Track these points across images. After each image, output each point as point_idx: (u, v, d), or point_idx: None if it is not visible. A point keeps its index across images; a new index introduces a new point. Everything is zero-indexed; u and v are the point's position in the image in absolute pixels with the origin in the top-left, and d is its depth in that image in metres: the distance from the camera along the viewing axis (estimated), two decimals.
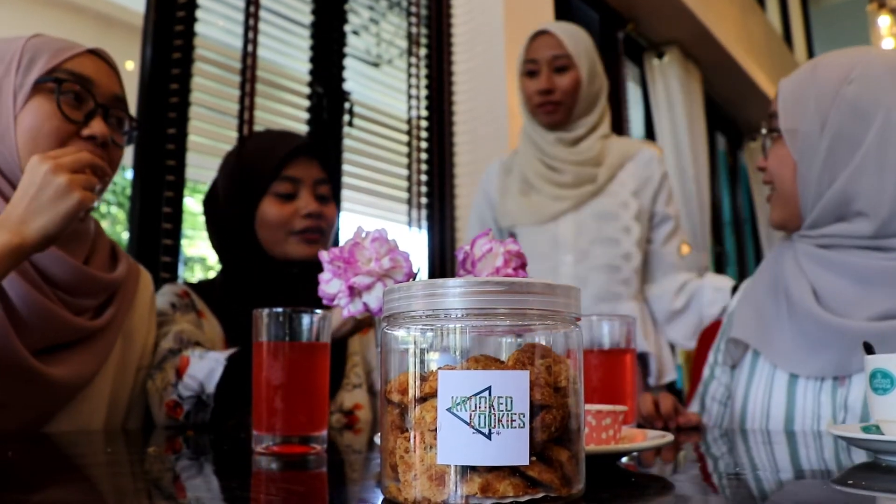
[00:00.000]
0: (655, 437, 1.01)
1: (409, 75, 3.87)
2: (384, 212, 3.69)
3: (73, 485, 0.96)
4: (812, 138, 1.60)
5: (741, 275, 8.04)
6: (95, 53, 1.57)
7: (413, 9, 3.94)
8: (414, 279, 1.20)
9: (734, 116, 7.98)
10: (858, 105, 1.56)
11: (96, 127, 1.54)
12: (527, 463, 0.67)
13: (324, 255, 1.17)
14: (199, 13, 2.86)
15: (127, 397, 1.70)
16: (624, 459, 1.06)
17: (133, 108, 2.64)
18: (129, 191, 2.71)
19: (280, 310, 1.21)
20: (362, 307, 1.16)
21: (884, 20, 7.35)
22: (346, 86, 3.50)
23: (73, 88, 1.51)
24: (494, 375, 0.68)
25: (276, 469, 1.06)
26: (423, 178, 3.88)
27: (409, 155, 3.82)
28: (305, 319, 1.22)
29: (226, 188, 1.94)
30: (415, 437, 0.70)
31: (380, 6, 3.81)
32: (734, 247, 8.02)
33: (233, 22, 3.01)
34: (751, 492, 0.88)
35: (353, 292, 1.15)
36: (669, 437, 1.01)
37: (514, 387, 0.68)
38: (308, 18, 3.40)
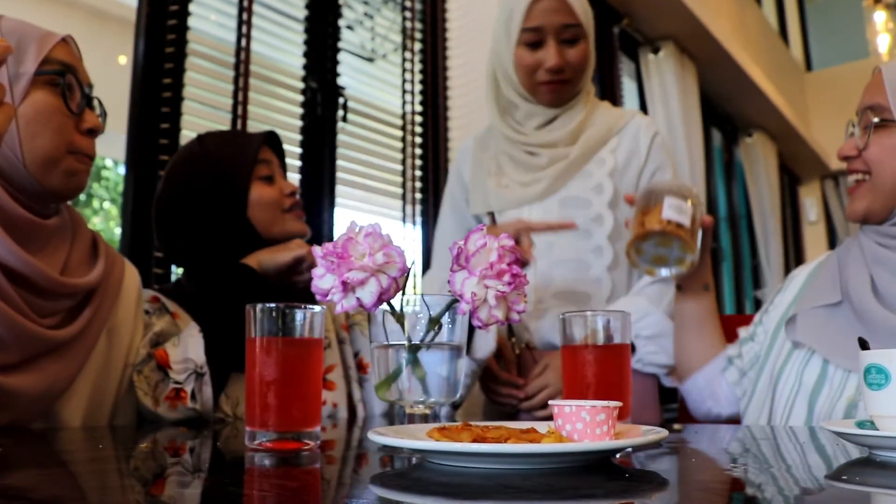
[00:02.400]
0: (650, 433, 1.01)
1: (404, 70, 3.87)
2: (378, 207, 3.68)
3: (61, 480, 0.95)
4: None
5: (736, 271, 8.05)
6: (64, 40, 1.57)
7: (408, 3, 3.94)
8: (408, 275, 1.19)
9: (730, 112, 7.98)
10: None
11: (92, 120, 1.56)
12: None
13: (317, 250, 1.17)
14: (192, 7, 2.86)
15: (112, 396, 1.68)
16: (618, 455, 1.06)
17: (126, 103, 2.65)
18: (121, 186, 2.70)
19: (272, 305, 1.21)
20: (356, 302, 1.15)
21: (879, 16, 7.35)
22: (341, 81, 3.49)
23: (70, 81, 1.52)
24: None
25: (269, 465, 1.05)
26: (418, 173, 3.88)
27: (403, 150, 3.82)
28: (298, 315, 1.22)
29: (205, 184, 1.94)
30: None
31: (374, 1, 3.80)
32: (730, 243, 8.02)
33: (226, 16, 3.01)
34: (744, 487, 0.87)
35: (347, 287, 1.15)
36: (664, 432, 1.00)
37: None
38: (302, 13, 3.40)
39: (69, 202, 1.65)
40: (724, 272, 7.73)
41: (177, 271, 2.72)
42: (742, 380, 1.93)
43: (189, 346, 1.71)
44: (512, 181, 2.27)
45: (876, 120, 1.63)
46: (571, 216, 2.17)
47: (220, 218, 1.92)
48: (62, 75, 1.51)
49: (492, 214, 2.26)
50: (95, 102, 1.61)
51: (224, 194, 1.93)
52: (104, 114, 1.64)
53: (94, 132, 1.57)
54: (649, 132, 2.33)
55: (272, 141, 2.06)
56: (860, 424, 1.12)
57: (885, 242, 1.65)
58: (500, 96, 2.33)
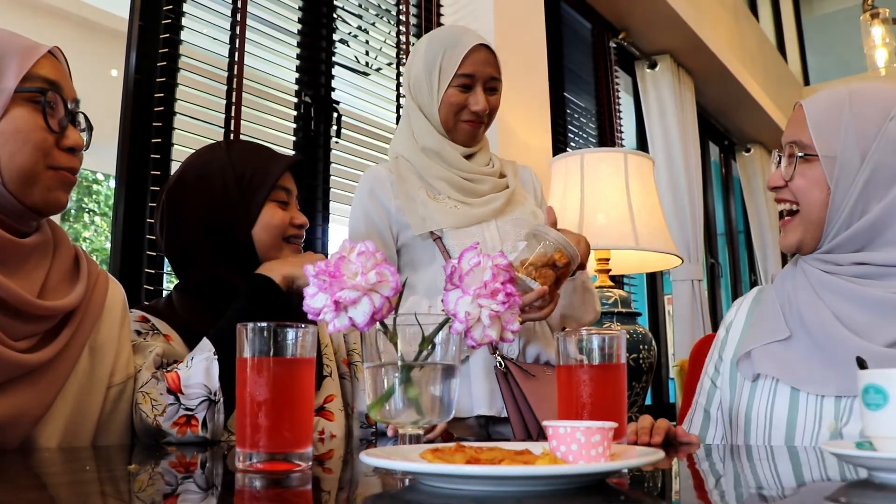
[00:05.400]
0: (646, 454, 0.99)
1: (399, 84, 3.86)
2: None
3: (46, 503, 0.94)
4: (851, 169, 1.67)
5: (734, 287, 8.06)
6: (51, 52, 1.55)
7: (402, 17, 3.94)
8: (401, 294, 1.18)
9: (727, 126, 8.00)
10: None
11: (74, 137, 1.53)
12: None
13: (309, 269, 1.16)
14: (184, 21, 2.86)
15: (95, 416, 1.64)
16: (614, 476, 1.05)
17: (117, 117, 2.64)
18: (112, 200, 2.69)
19: (264, 324, 1.19)
20: (348, 322, 1.14)
21: (877, 31, 7.35)
22: (335, 95, 3.49)
23: (52, 99, 1.49)
24: None
25: (260, 487, 1.04)
26: None
27: None
28: (290, 334, 1.20)
29: (222, 190, 1.91)
30: None
31: (368, 14, 3.80)
32: (727, 259, 8.04)
33: (219, 30, 3.00)
34: None
35: (339, 307, 1.13)
36: (661, 454, 0.99)
37: None
38: (295, 26, 3.40)
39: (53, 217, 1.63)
40: (722, 288, 7.73)
41: (168, 287, 2.71)
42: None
43: (202, 370, 1.66)
44: (458, 203, 2.43)
45: (800, 154, 1.74)
46: (520, 235, 2.41)
47: (225, 227, 1.90)
48: (43, 93, 1.48)
49: (433, 233, 2.38)
50: (81, 117, 1.59)
51: (235, 204, 1.91)
52: (90, 128, 1.62)
53: (74, 150, 1.53)
54: (539, 184, 2.69)
55: (297, 169, 2.05)
56: (859, 445, 1.11)
57: (829, 269, 1.73)
58: (416, 131, 2.52)
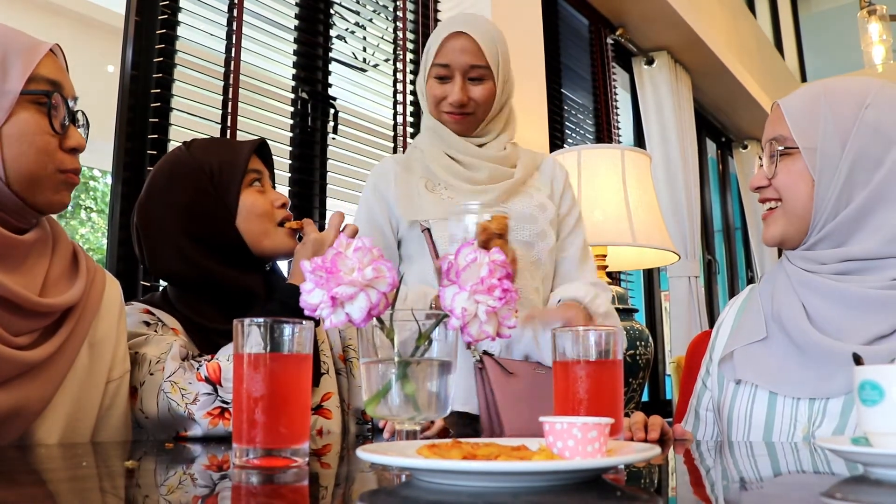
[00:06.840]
0: (642, 450, 0.99)
1: (396, 80, 3.86)
2: None
3: (45, 499, 0.94)
4: (833, 158, 1.67)
5: (731, 284, 8.06)
6: (51, 51, 1.54)
7: (399, 13, 3.93)
8: (398, 290, 1.18)
9: (724, 123, 8.00)
10: (879, 127, 1.65)
11: (76, 138, 1.53)
12: None
13: (306, 265, 1.16)
14: (181, 16, 2.85)
15: (94, 412, 1.64)
16: (610, 472, 1.05)
17: (113, 113, 2.64)
18: (108, 197, 2.68)
19: (261, 320, 1.19)
20: (345, 318, 1.14)
21: (874, 27, 7.35)
22: (332, 91, 3.48)
23: (56, 102, 1.49)
24: None
25: (256, 483, 1.04)
26: None
27: None
28: (287, 330, 1.20)
29: (192, 190, 1.89)
30: None
31: (366, 10, 3.80)
32: (724, 255, 8.03)
33: (216, 25, 2.99)
34: None
35: (336, 302, 1.13)
36: (657, 450, 0.99)
37: None
38: (292, 22, 3.39)
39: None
40: (718, 284, 7.73)
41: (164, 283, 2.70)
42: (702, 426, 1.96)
43: None
44: (454, 192, 2.36)
45: (780, 148, 1.73)
46: (520, 228, 2.32)
47: (209, 226, 1.88)
48: (49, 95, 1.48)
49: (422, 225, 2.31)
50: (80, 115, 1.58)
51: (213, 201, 1.89)
52: (87, 125, 1.61)
53: (76, 151, 1.54)
54: (562, 175, 2.54)
55: (262, 150, 2.03)
56: (855, 441, 1.11)
57: (812, 268, 1.73)
58: (424, 114, 2.49)
